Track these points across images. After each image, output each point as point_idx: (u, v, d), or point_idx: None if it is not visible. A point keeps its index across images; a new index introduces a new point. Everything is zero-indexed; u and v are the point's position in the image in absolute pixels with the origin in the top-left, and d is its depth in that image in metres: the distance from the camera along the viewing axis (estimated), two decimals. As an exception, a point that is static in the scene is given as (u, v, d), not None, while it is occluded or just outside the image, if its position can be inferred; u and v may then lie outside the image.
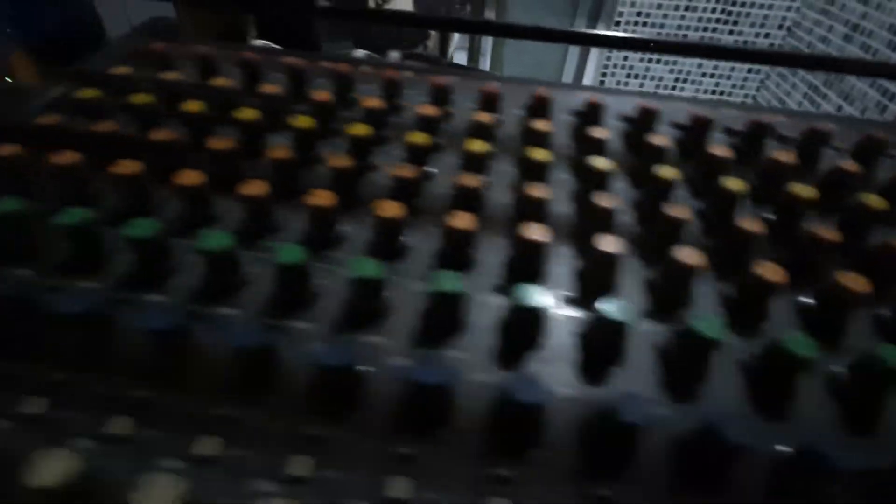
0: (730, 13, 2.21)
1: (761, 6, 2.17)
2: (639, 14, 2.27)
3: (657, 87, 2.45)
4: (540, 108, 0.33)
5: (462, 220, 0.22)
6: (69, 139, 0.27)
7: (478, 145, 0.27)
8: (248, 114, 0.28)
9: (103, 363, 0.19)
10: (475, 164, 0.27)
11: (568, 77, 2.66)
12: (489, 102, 0.32)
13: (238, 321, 0.20)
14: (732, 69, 2.35)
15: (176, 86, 0.31)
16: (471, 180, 0.25)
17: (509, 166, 0.29)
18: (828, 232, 0.23)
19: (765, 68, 2.31)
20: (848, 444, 0.18)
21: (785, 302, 0.22)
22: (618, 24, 2.30)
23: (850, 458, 0.16)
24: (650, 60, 2.38)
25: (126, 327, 0.19)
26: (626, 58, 2.38)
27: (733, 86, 2.40)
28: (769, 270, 0.21)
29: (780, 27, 2.20)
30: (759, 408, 0.19)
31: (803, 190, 0.25)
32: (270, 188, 0.23)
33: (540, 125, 0.30)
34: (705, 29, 2.27)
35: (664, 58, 2.36)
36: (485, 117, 0.29)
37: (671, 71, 2.40)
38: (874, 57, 1.67)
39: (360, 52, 0.46)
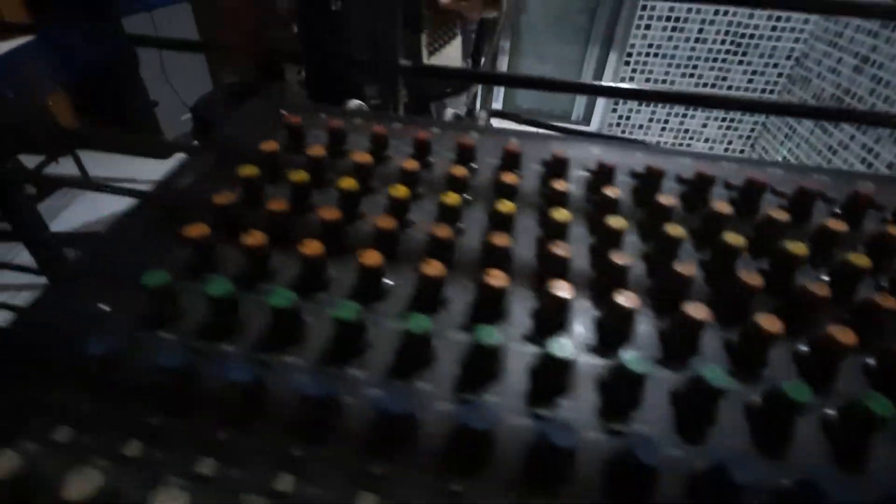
0: (738, 45, 2.28)
1: (769, 38, 2.24)
2: (650, 45, 2.34)
3: (668, 114, 2.51)
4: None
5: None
6: (247, 217, 0.30)
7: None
8: (400, 191, 0.30)
9: (335, 439, 0.21)
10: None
11: (581, 100, 2.73)
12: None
13: (432, 396, 0.22)
14: (745, 91, 2.41)
15: (327, 162, 0.33)
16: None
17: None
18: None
19: (777, 89, 2.37)
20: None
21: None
22: (629, 55, 2.38)
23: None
24: (664, 83, 2.45)
25: (359, 409, 0.21)
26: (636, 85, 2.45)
27: (743, 113, 2.45)
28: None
29: (789, 57, 2.27)
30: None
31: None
32: (442, 266, 0.26)
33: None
34: (715, 59, 2.34)
35: (675, 86, 2.43)
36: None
37: (682, 99, 2.46)
38: (886, 87, 1.72)
39: (450, 112, 0.49)
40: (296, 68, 1.14)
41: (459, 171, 0.33)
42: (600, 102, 2.62)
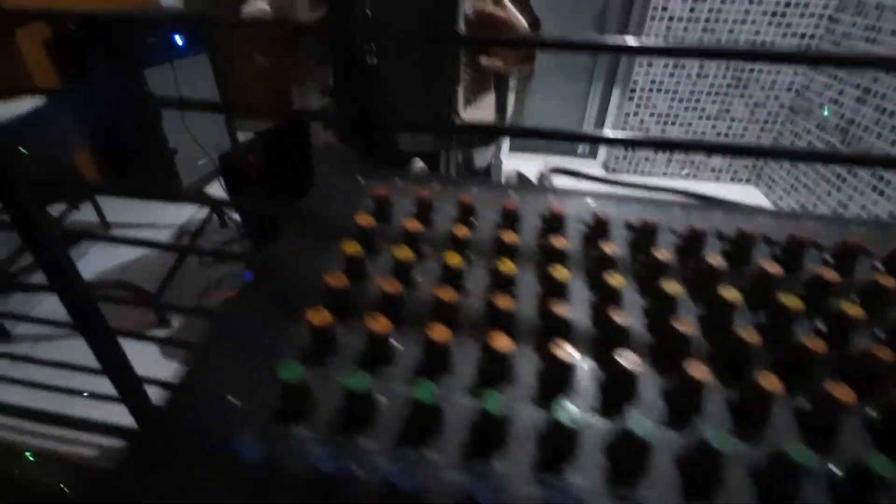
0: (739, 78, 2.35)
1: (769, 71, 2.31)
2: (653, 82, 2.41)
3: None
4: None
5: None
6: (356, 297, 0.30)
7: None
8: (507, 266, 0.31)
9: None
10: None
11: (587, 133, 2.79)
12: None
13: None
14: (745, 129, 2.46)
15: (423, 236, 0.34)
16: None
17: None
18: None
19: (779, 119, 2.42)
20: None
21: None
22: (633, 91, 2.44)
23: None
24: (666, 122, 2.50)
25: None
26: (642, 121, 2.51)
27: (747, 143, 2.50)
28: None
29: (790, 89, 2.33)
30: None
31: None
32: (570, 346, 0.26)
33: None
34: (717, 93, 2.40)
35: (679, 119, 2.49)
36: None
37: (686, 132, 2.52)
38: (892, 117, 1.76)
39: (514, 172, 0.50)
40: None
41: (559, 242, 0.33)
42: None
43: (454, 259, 0.31)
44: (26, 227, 0.86)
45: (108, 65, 1.71)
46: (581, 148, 2.82)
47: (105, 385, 1.06)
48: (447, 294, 0.29)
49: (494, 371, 0.26)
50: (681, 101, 2.44)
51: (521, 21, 0.91)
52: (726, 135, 2.49)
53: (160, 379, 1.12)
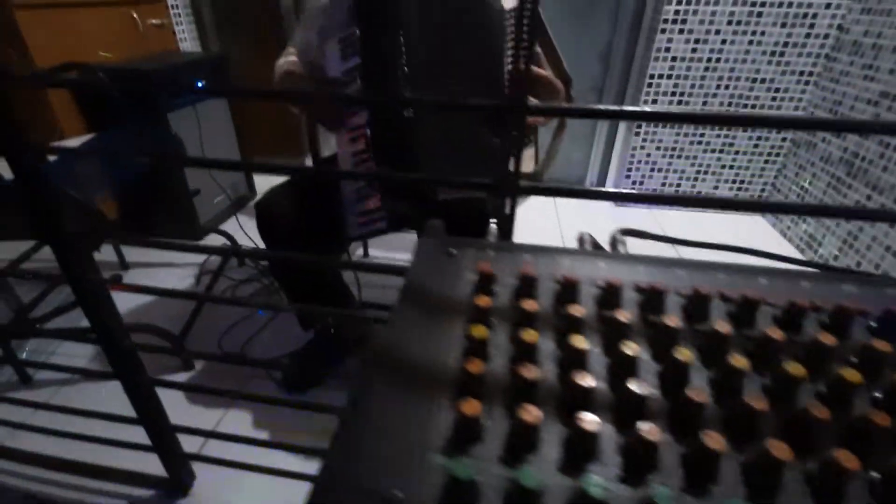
0: (744, 108, 2.42)
1: (770, 107, 2.39)
2: (658, 117, 2.48)
3: (680, 178, 2.62)
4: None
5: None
6: (492, 385, 0.31)
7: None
8: (631, 348, 0.32)
9: None
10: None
11: (594, 168, 2.84)
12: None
13: None
14: (750, 161, 2.53)
15: (539, 315, 0.35)
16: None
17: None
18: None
19: (782, 152, 2.48)
20: None
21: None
22: (639, 126, 2.51)
23: None
24: (672, 156, 2.57)
25: None
26: (648, 154, 2.57)
27: (752, 175, 2.56)
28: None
29: (791, 124, 2.41)
30: None
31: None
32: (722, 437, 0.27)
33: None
34: (721, 127, 2.48)
35: (685, 153, 2.55)
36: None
37: (692, 164, 2.58)
38: (895, 152, 1.82)
39: (587, 237, 0.52)
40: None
41: (672, 320, 0.34)
42: (613, 169, 2.73)
43: (580, 342, 0.32)
44: (76, 279, 0.87)
45: (134, 112, 1.76)
46: (588, 181, 2.88)
47: (130, 432, 1.05)
48: (585, 379, 0.30)
49: (640, 462, 0.27)
50: (686, 135, 2.51)
51: (555, 79, 0.96)
52: (731, 167, 2.55)
53: (190, 426, 1.11)
